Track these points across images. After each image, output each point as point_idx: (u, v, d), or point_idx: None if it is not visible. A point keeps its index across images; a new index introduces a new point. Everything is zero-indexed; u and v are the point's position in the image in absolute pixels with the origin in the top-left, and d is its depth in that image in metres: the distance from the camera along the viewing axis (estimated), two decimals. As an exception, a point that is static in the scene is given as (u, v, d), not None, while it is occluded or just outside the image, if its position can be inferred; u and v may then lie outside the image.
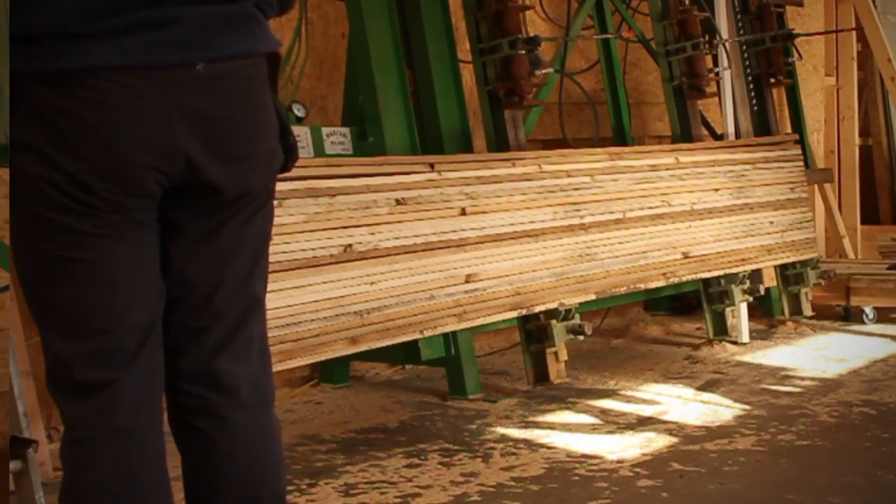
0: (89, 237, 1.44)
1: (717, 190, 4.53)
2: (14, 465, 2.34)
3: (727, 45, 4.83)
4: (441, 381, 3.98)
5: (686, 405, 3.53)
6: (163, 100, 1.43)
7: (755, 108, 5.21)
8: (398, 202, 3.34)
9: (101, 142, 1.41)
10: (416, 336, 3.34)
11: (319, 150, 3.68)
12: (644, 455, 2.91)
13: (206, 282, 1.56)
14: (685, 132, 4.80)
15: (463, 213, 3.52)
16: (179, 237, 1.54)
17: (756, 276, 4.84)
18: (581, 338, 3.85)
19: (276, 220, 2.96)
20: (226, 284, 1.57)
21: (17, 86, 1.42)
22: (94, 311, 1.47)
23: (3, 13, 1.45)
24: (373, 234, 3.24)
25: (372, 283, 3.20)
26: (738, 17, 5.19)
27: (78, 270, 1.45)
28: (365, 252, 3.20)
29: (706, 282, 4.58)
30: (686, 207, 4.37)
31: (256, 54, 1.55)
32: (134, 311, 1.49)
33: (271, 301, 2.91)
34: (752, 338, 4.65)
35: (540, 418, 3.45)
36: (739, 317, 4.62)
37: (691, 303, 5.56)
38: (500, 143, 3.96)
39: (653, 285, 4.19)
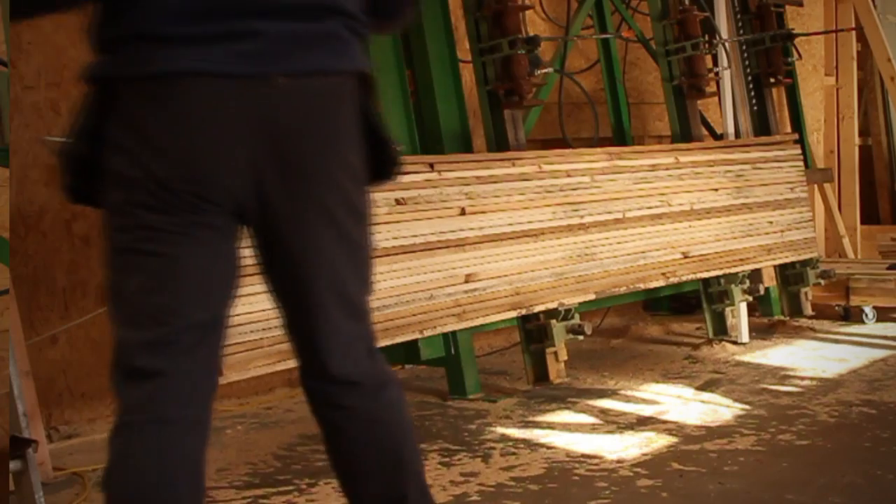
0: (163, 233, 1.51)
1: (716, 190, 4.54)
2: (14, 465, 2.34)
3: (727, 44, 4.83)
4: (441, 380, 3.98)
5: (686, 405, 3.53)
6: (238, 110, 1.49)
7: (755, 107, 5.21)
8: (397, 202, 3.34)
9: (180, 145, 1.49)
10: (416, 336, 3.34)
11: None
12: (644, 455, 2.92)
13: (299, 280, 1.65)
14: (685, 132, 4.80)
15: (462, 213, 3.52)
16: (263, 242, 1.63)
17: (756, 275, 4.85)
18: (581, 338, 3.85)
19: (276, 220, 2.98)
20: (315, 287, 1.64)
21: (109, 88, 1.50)
22: (155, 303, 1.55)
23: (4, 12, 1.47)
24: (372, 234, 3.23)
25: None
26: (738, 16, 5.19)
27: (148, 263, 1.53)
28: (365, 252, 3.20)
29: (706, 281, 4.58)
30: (686, 207, 4.37)
31: (337, 72, 1.59)
32: (194, 308, 1.56)
33: (269, 301, 2.92)
34: (751, 338, 4.65)
35: (540, 418, 3.45)
36: (739, 317, 4.63)
37: (691, 303, 5.56)
38: (499, 143, 3.96)
39: (652, 285, 4.19)
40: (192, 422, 1.56)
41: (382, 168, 1.73)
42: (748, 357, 4.33)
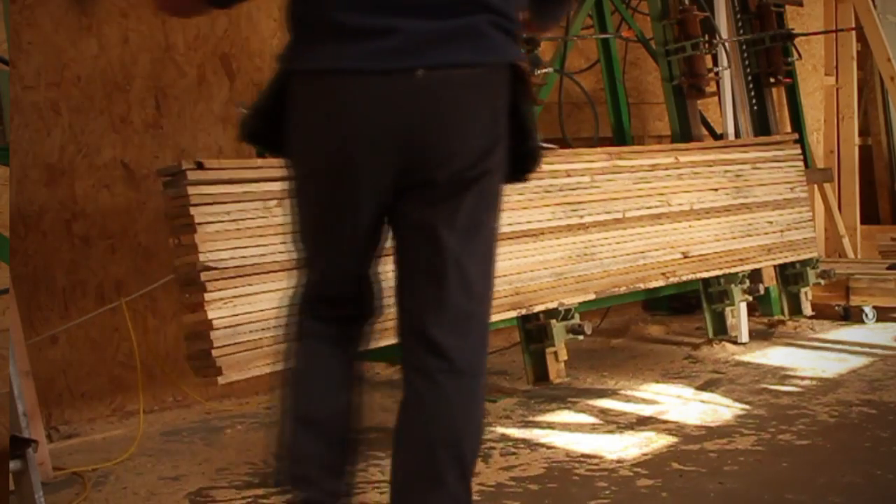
0: (328, 205, 1.81)
1: (716, 189, 4.53)
2: (14, 465, 2.34)
3: (727, 44, 4.83)
4: (441, 380, 3.98)
5: (686, 405, 3.53)
6: (380, 102, 1.69)
7: (755, 107, 5.21)
8: (398, 202, 3.33)
9: (337, 132, 1.72)
10: (416, 336, 3.34)
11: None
12: (644, 454, 2.92)
13: (424, 258, 1.79)
14: (685, 132, 4.80)
15: (463, 212, 3.51)
16: (400, 218, 1.81)
17: (756, 275, 4.84)
18: (581, 337, 3.85)
19: (275, 221, 2.98)
20: (439, 263, 1.78)
21: (289, 81, 1.77)
22: (325, 257, 1.89)
23: (4, 13, 1.47)
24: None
25: (371, 283, 3.19)
26: (738, 16, 5.18)
27: (318, 225, 1.86)
28: (365, 252, 3.20)
29: (706, 281, 4.58)
30: (686, 207, 4.37)
31: (477, 65, 1.72)
32: (349, 261, 1.89)
33: (268, 301, 2.92)
34: (751, 337, 4.65)
35: (540, 418, 3.45)
36: (739, 316, 4.63)
37: (691, 303, 5.56)
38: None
39: (652, 285, 4.19)
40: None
41: (523, 161, 1.85)
42: (748, 357, 4.33)
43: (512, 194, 3.70)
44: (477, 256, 1.81)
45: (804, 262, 4.94)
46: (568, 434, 3.20)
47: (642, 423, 3.30)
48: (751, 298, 4.69)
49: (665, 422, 3.30)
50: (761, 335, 4.79)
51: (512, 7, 1.76)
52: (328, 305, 1.93)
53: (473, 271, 1.80)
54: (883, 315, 5.06)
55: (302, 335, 1.96)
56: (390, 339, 3.21)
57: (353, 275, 1.91)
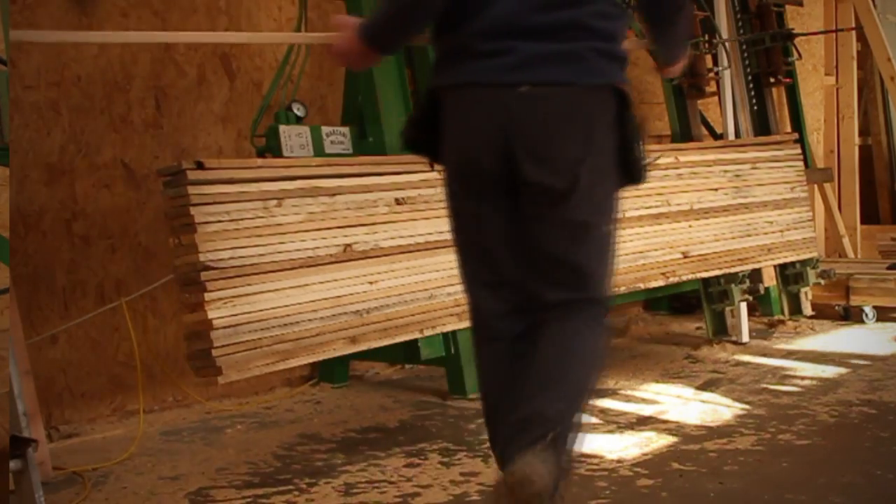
0: (465, 206, 2.15)
1: (716, 189, 4.53)
2: (14, 465, 2.34)
3: (727, 44, 4.83)
4: (441, 380, 3.99)
5: (686, 405, 3.53)
6: (495, 109, 2.02)
7: (755, 107, 5.21)
8: (398, 202, 3.34)
9: (463, 137, 2.08)
10: (416, 335, 3.34)
11: (319, 150, 3.69)
12: (644, 454, 2.92)
13: (539, 242, 2.10)
14: (685, 132, 4.80)
15: (463, 212, 3.51)
16: (519, 213, 2.09)
17: (756, 275, 4.85)
18: (581, 337, 3.85)
19: (275, 220, 2.98)
20: (549, 247, 2.09)
21: (437, 96, 2.13)
22: (474, 254, 2.18)
23: (4, 13, 1.47)
24: (373, 233, 3.24)
25: (371, 283, 3.20)
26: (738, 16, 5.18)
27: (462, 225, 2.20)
28: (364, 251, 3.20)
29: (706, 281, 4.58)
30: (686, 207, 4.37)
31: (574, 84, 2.02)
32: (488, 261, 2.16)
33: (268, 301, 2.92)
34: (751, 337, 4.65)
35: (540, 418, 3.44)
36: (739, 316, 4.63)
37: (691, 303, 5.56)
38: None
39: (652, 285, 4.19)
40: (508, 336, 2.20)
41: (630, 169, 2.14)
42: (748, 357, 4.33)
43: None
44: (576, 235, 2.08)
45: (804, 262, 4.94)
46: (568, 434, 3.20)
47: (642, 422, 3.31)
48: (751, 298, 4.69)
49: (665, 422, 3.30)
50: (761, 335, 4.79)
51: (618, 34, 2.06)
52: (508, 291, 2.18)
53: (574, 250, 2.08)
54: (883, 315, 5.06)
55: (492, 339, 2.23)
56: (390, 339, 3.22)
57: (514, 262, 2.15)
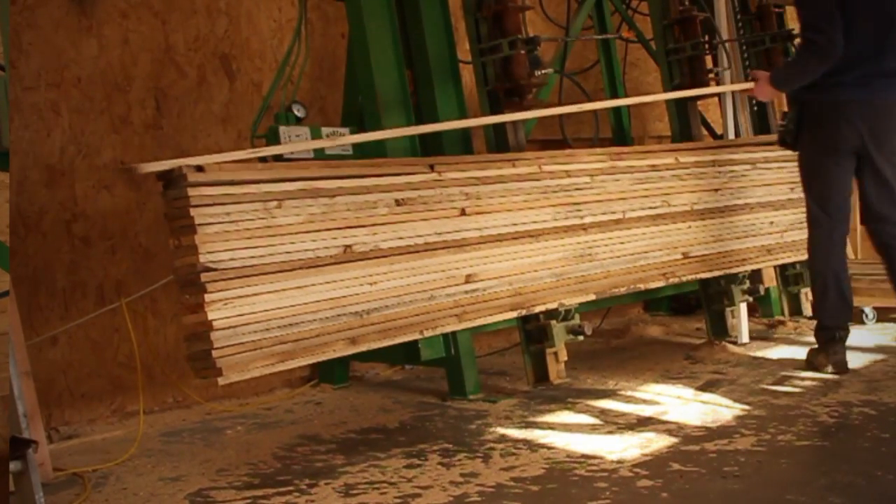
0: (827, 163, 3.85)
1: (716, 190, 4.53)
2: (14, 466, 2.34)
3: (727, 45, 4.83)
4: (441, 381, 3.99)
5: (686, 405, 3.53)
6: (859, 114, 3.73)
7: (755, 108, 5.21)
8: (398, 203, 3.34)
9: (834, 128, 3.77)
10: (416, 336, 3.34)
11: (319, 151, 3.69)
12: (644, 455, 2.91)
13: (876, 183, 3.82)
14: (685, 132, 4.80)
15: (463, 213, 3.52)
16: (862, 169, 3.81)
17: (756, 276, 4.84)
18: (581, 338, 3.85)
19: (276, 221, 2.98)
20: (885, 185, 3.82)
21: (812, 106, 3.84)
22: (827, 195, 3.87)
23: (4, 15, 1.47)
24: (373, 234, 3.24)
25: (372, 284, 3.20)
26: (738, 17, 5.18)
27: (822, 175, 3.87)
28: (365, 252, 3.20)
29: (706, 282, 4.58)
30: (686, 207, 4.37)
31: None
32: (838, 197, 3.87)
33: (271, 301, 2.93)
34: (751, 338, 4.65)
35: (540, 418, 3.45)
36: (739, 317, 4.62)
37: (691, 303, 5.56)
38: (499, 144, 3.96)
39: (653, 285, 4.19)
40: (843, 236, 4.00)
41: None
42: (748, 358, 4.33)
43: (513, 195, 3.70)
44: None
45: (804, 263, 4.93)
46: (568, 435, 3.20)
47: (642, 423, 3.30)
48: (751, 299, 4.68)
49: (665, 422, 3.30)
50: (761, 335, 4.79)
51: None
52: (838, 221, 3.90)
53: None
54: (883, 315, 5.05)
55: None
56: (391, 340, 3.22)
57: (846, 200, 3.89)
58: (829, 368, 3.85)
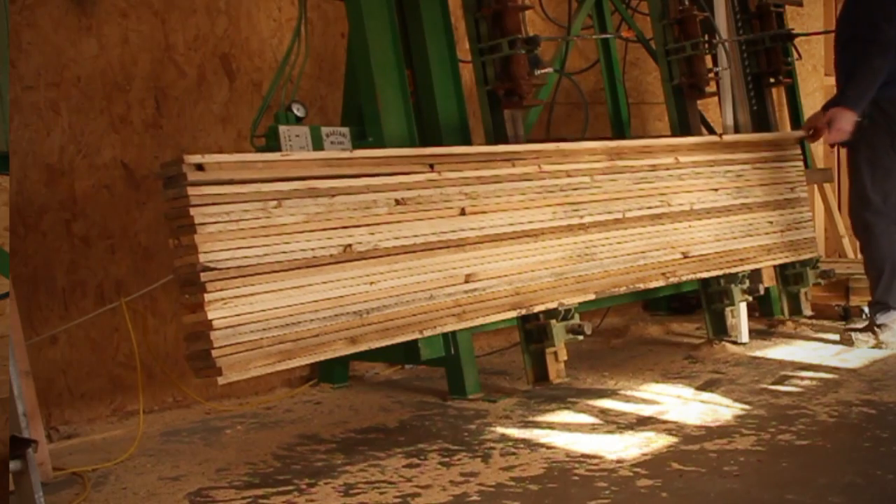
0: (886, 154, 4.37)
1: (716, 190, 4.53)
2: (14, 465, 2.34)
3: (727, 44, 4.83)
4: (441, 380, 3.99)
5: (686, 405, 3.53)
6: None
7: (755, 107, 5.21)
8: (398, 202, 3.34)
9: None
10: (416, 336, 3.34)
11: (319, 150, 3.68)
12: (644, 455, 2.92)
13: None
14: (685, 132, 4.80)
15: (462, 213, 3.52)
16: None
17: (756, 275, 4.84)
18: (580, 338, 3.85)
19: (276, 221, 2.98)
20: None
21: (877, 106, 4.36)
22: (882, 186, 4.37)
23: (3, 15, 1.47)
24: (372, 234, 3.23)
25: (371, 283, 3.20)
26: (738, 16, 5.18)
27: (888, 169, 4.38)
28: (364, 252, 3.20)
29: (705, 282, 4.58)
30: (685, 207, 4.37)
31: None
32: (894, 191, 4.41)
33: (271, 301, 2.92)
34: (751, 338, 4.65)
35: (539, 418, 3.45)
36: (739, 316, 4.62)
37: (691, 303, 5.56)
38: (499, 143, 3.96)
39: (652, 285, 4.19)
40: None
41: None
42: (748, 357, 4.33)
43: (513, 194, 3.70)
44: None
45: (804, 263, 4.94)
46: (568, 434, 3.20)
47: (642, 423, 3.31)
48: (751, 298, 4.68)
49: (665, 422, 3.30)
50: (761, 335, 4.79)
51: None
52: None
53: None
54: (883, 315, 5.04)
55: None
56: (390, 340, 3.22)
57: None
58: (883, 341, 4.37)
